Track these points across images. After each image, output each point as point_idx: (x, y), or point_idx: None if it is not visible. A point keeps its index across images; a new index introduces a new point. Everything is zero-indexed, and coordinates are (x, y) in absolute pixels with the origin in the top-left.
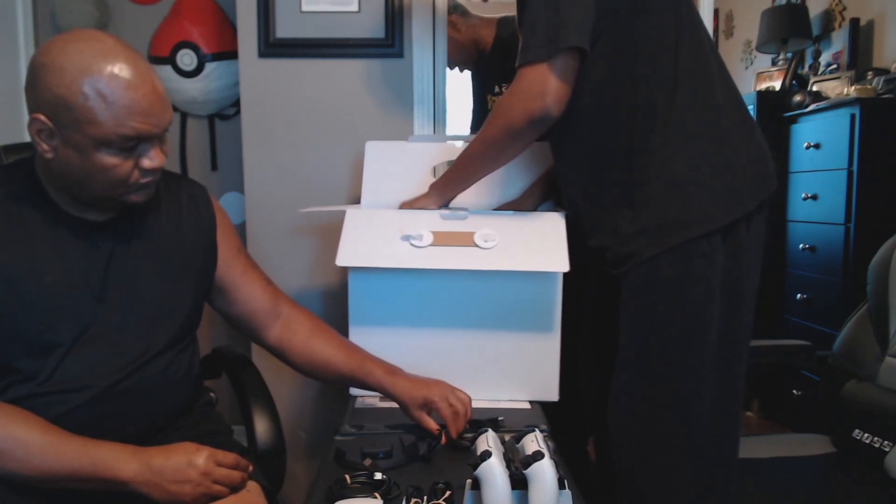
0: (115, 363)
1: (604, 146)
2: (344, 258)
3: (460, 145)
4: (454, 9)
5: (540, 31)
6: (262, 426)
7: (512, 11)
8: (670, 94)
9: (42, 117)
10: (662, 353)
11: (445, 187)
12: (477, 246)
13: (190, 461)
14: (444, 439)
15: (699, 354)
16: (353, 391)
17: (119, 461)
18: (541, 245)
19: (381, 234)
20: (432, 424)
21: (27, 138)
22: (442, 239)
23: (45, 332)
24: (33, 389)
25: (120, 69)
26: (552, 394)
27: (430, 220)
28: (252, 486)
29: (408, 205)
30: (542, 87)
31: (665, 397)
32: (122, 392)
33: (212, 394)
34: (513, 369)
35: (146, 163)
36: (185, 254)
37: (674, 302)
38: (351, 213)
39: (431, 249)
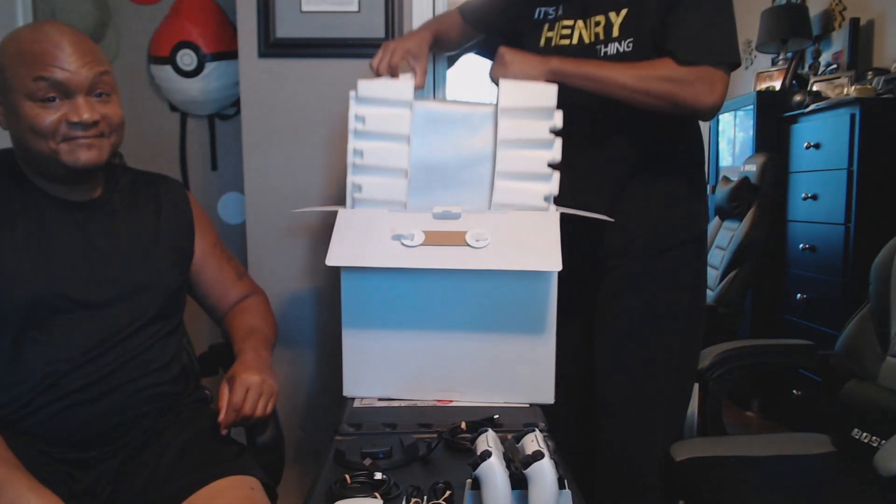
0: (97, 336)
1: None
2: (334, 258)
3: None
4: None
5: (724, 36)
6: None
7: None
8: (693, 122)
9: None
10: (663, 327)
11: (561, 74)
12: (468, 245)
13: None
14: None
15: (687, 323)
16: (348, 392)
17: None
18: (533, 244)
19: (372, 234)
20: (221, 402)
21: None
22: (433, 238)
23: (28, 307)
24: (18, 363)
25: (36, 30)
26: (548, 396)
27: (422, 220)
28: (252, 481)
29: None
30: (718, 88)
31: (659, 359)
32: (105, 365)
33: (207, 391)
34: (507, 372)
35: (72, 116)
36: (166, 237)
37: (673, 286)
38: (343, 212)
39: (422, 249)
